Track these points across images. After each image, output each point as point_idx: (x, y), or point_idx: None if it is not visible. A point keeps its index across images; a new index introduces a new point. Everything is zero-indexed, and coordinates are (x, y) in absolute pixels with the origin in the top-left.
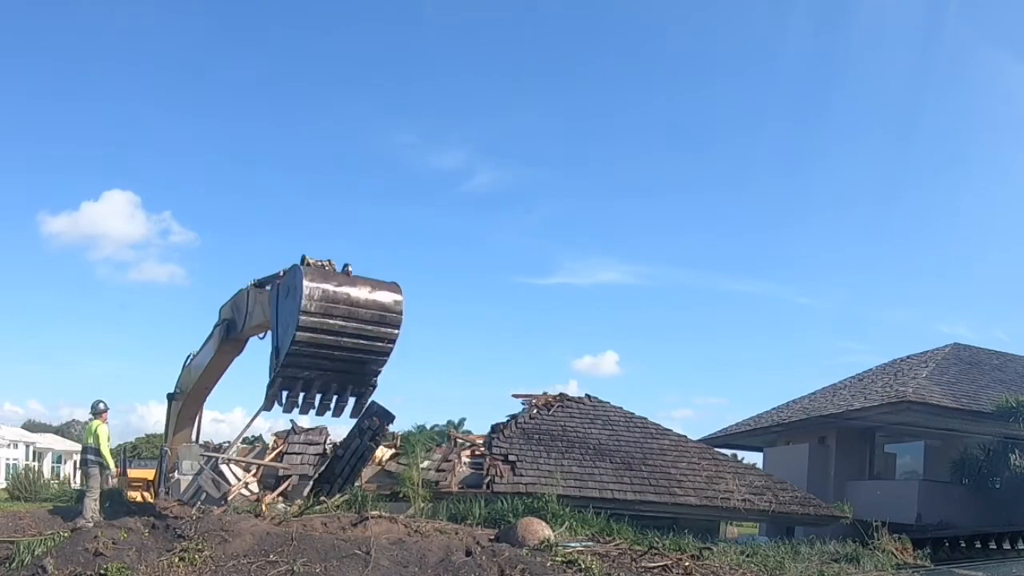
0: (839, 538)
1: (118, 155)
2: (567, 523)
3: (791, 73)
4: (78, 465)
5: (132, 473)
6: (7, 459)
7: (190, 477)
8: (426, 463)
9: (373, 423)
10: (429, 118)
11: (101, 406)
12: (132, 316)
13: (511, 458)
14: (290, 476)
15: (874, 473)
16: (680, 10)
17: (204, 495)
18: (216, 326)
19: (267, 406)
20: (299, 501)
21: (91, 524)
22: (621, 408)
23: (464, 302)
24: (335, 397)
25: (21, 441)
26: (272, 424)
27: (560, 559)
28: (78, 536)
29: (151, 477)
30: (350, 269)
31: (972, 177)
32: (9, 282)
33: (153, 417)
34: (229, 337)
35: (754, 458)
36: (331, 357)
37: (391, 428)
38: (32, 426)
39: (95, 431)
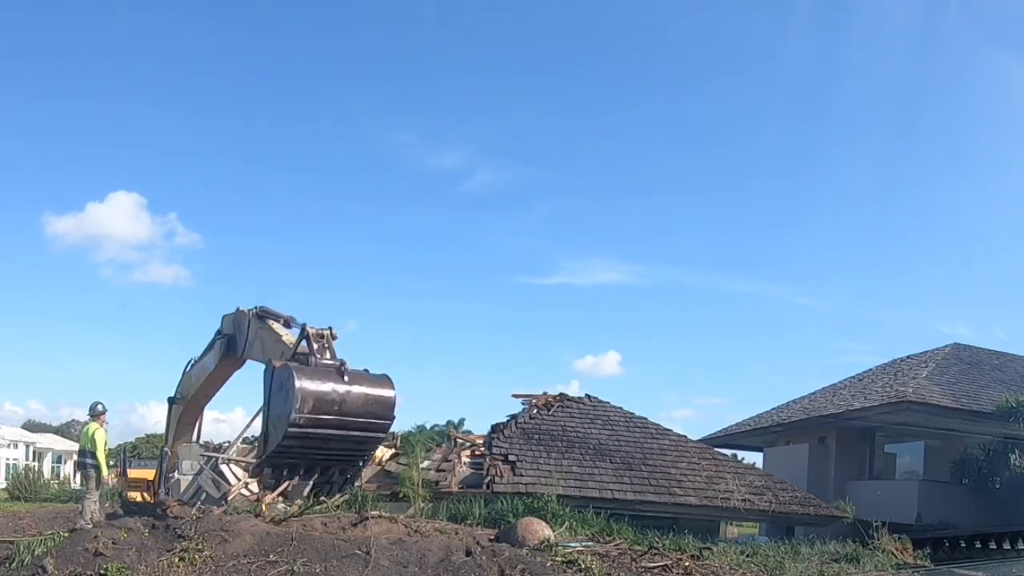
0: (839, 538)
1: (123, 156)
2: (567, 523)
3: (791, 73)
4: (76, 467)
5: (132, 473)
6: (7, 459)
7: (190, 477)
8: (426, 463)
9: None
10: (428, 118)
11: (99, 408)
12: (133, 317)
13: (511, 458)
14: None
15: (874, 473)
16: (680, 10)
17: (204, 495)
18: (217, 338)
19: (254, 475)
20: (299, 501)
21: (90, 525)
22: (621, 408)
23: (464, 302)
24: (324, 477)
25: (21, 441)
26: None
27: (560, 559)
28: (78, 536)
29: (151, 477)
30: (346, 367)
31: (972, 177)
32: (12, 282)
33: (153, 417)
34: (229, 353)
35: (754, 458)
36: (320, 450)
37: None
38: (32, 426)
39: (92, 434)
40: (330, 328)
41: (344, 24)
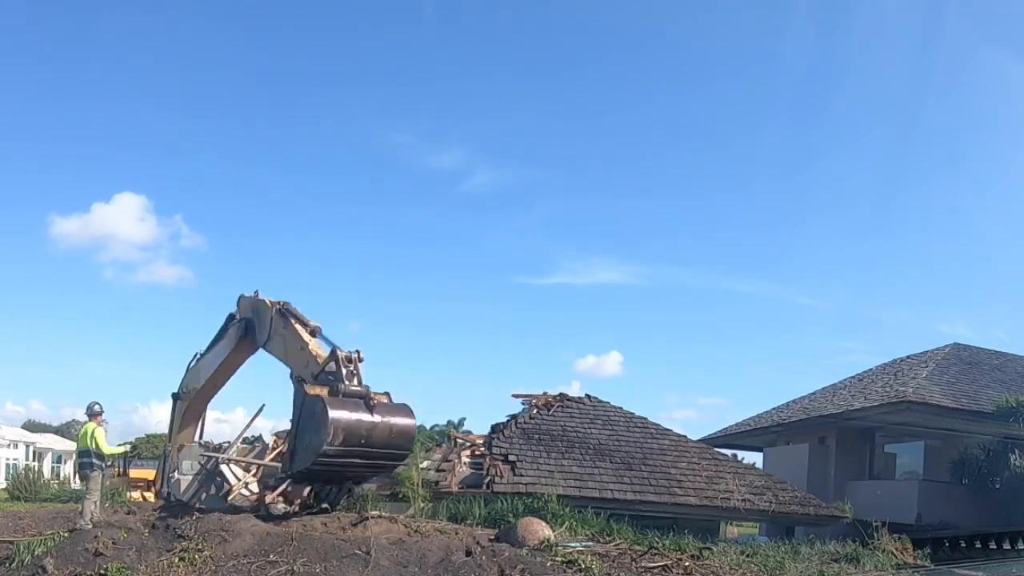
0: (839, 538)
1: (128, 157)
2: (567, 523)
3: (791, 73)
4: (76, 469)
5: (133, 473)
6: (7, 459)
7: (190, 477)
8: (426, 463)
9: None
10: (428, 118)
11: (96, 408)
12: (136, 317)
13: (511, 458)
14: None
15: (874, 473)
16: (680, 10)
17: (204, 495)
18: (231, 323)
19: (274, 487)
20: (299, 501)
21: (90, 526)
22: (621, 408)
23: (464, 302)
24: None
25: (21, 441)
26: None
27: (560, 559)
28: (78, 536)
29: (151, 477)
30: (373, 398)
31: (972, 177)
32: (15, 282)
33: (155, 417)
34: (246, 338)
35: (754, 458)
36: (341, 473)
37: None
38: (32, 426)
39: (92, 434)
40: (358, 351)
41: (344, 24)
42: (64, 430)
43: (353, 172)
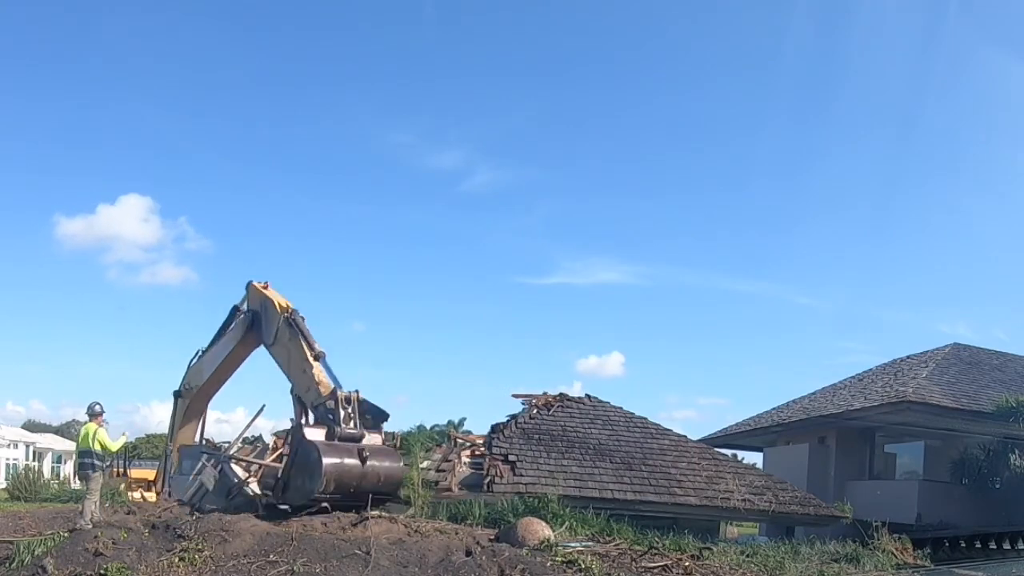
0: (839, 538)
1: (132, 158)
2: (567, 523)
3: (791, 73)
4: (76, 469)
5: (133, 473)
6: (7, 459)
7: (190, 477)
8: (426, 463)
9: (366, 422)
10: (428, 118)
11: (97, 408)
12: (138, 318)
13: (511, 458)
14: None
15: (874, 473)
16: (680, 10)
17: (204, 495)
18: (237, 315)
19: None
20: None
21: (90, 526)
22: (621, 408)
23: (464, 302)
24: None
25: (21, 441)
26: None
27: (560, 559)
28: (78, 536)
29: (151, 477)
30: (365, 451)
31: (972, 177)
32: (18, 283)
33: (156, 417)
34: (252, 332)
35: (754, 458)
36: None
37: (385, 427)
38: (32, 426)
39: (93, 434)
40: (357, 391)
41: (344, 24)
42: (64, 430)
43: (353, 172)
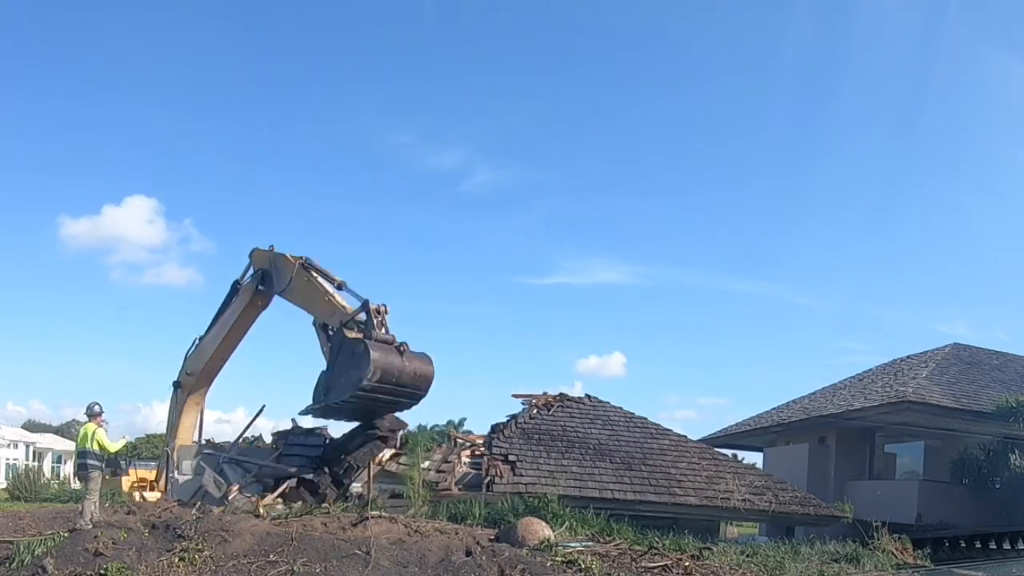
0: (839, 538)
1: (136, 159)
2: (567, 523)
3: (791, 73)
4: (75, 469)
5: (133, 473)
6: (7, 459)
7: (190, 477)
8: (426, 463)
9: (377, 430)
10: (428, 118)
11: (96, 408)
12: (138, 318)
13: (511, 458)
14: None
15: (874, 473)
16: (680, 10)
17: (204, 495)
18: (247, 273)
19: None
20: (298, 503)
21: (90, 526)
22: (621, 408)
23: (464, 302)
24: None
25: (21, 441)
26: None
27: (560, 559)
28: (78, 536)
29: (151, 477)
30: (403, 345)
31: (972, 177)
32: (22, 282)
33: (156, 417)
34: (262, 289)
35: (754, 458)
36: (368, 409)
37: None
38: (32, 426)
39: (92, 435)
40: (385, 305)
41: (344, 24)
42: (64, 430)
43: (353, 172)
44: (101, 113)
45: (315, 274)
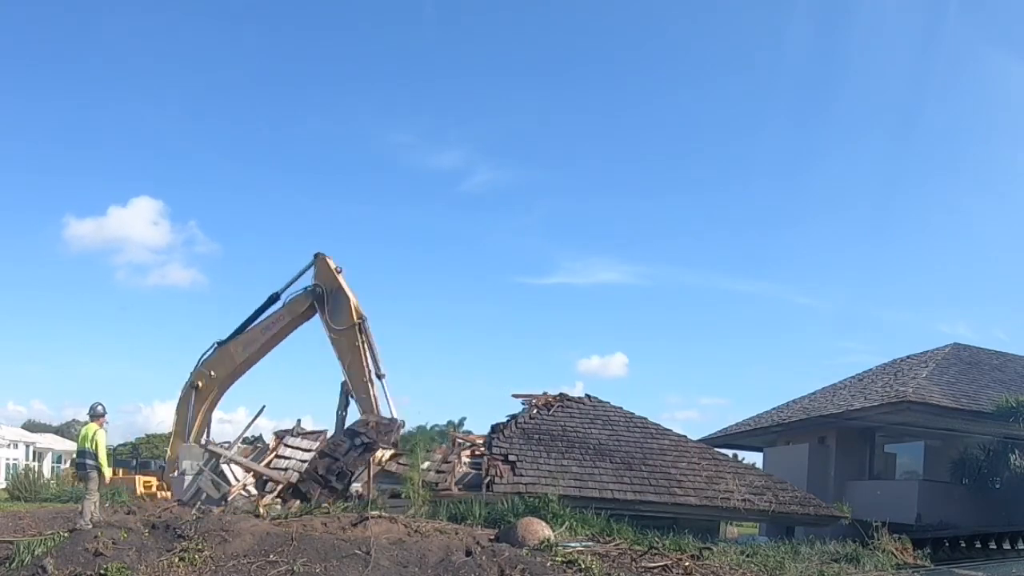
0: (839, 538)
1: (139, 160)
2: (567, 523)
3: (791, 73)
4: (75, 469)
5: (141, 475)
6: (7, 459)
7: (190, 477)
8: (426, 463)
9: (371, 431)
10: (428, 118)
11: (99, 409)
12: (140, 319)
13: (511, 458)
14: (287, 477)
15: (874, 473)
16: (680, 10)
17: (204, 495)
18: (298, 284)
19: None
20: (298, 503)
21: (90, 526)
22: (621, 408)
23: (464, 302)
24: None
25: (21, 441)
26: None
27: (560, 559)
28: (78, 536)
29: (156, 480)
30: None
31: (972, 177)
32: (24, 282)
33: (157, 418)
34: (313, 306)
35: (754, 458)
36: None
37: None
38: (32, 426)
39: (93, 436)
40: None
41: (344, 24)
42: (64, 430)
43: (353, 172)
44: (101, 113)
45: (366, 348)
